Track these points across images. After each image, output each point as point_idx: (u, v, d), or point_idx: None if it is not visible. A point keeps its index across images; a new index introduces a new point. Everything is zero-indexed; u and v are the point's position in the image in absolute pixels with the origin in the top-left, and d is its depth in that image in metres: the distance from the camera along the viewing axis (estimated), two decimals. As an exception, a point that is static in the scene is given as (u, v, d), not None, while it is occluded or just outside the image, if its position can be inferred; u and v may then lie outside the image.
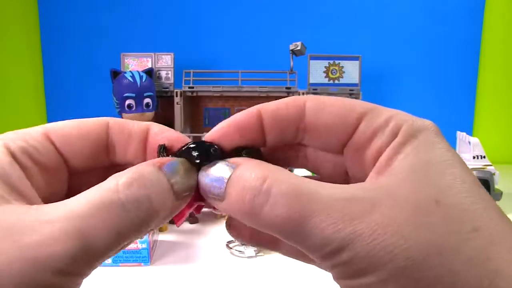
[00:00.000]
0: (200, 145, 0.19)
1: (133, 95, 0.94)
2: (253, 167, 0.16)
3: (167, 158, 0.18)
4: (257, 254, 0.68)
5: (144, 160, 0.19)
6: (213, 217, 0.85)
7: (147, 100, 0.96)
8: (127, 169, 0.16)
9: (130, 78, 0.94)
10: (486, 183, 0.90)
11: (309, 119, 0.18)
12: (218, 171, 0.17)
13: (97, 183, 0.16)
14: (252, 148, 0.19)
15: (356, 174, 0.19)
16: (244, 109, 0.20)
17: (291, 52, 1.06)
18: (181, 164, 0.17)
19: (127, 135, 0.19)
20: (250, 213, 0.16)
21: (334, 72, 1.09)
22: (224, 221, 0.24)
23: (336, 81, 1.09)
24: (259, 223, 0.16)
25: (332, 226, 0.15)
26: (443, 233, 0.14)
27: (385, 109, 0.19)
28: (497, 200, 0.90)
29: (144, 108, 0.95)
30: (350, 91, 1.09)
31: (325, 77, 1.09)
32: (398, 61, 1.33)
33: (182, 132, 1.02)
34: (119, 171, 0.16)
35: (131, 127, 0.20)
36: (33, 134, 0.18)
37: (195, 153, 0.19)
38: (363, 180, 0.17)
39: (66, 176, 0.19)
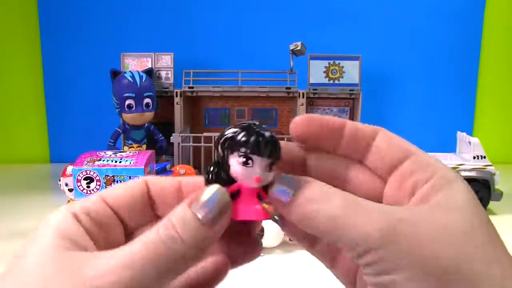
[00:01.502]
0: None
1: (133, 95, 0.93)
2: (318, 184, 0.21)
3: (199, 192, 0.20)
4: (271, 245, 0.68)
5: None
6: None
7: (147, 100, 0.95)
8: (169, 214, 0.20)
9: (130, 78, 0.94)
10: (486, 183, 0.90)
11: (378, 142, 0.24)
12: (288, 181, 0.21)
13: None
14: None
15: (390, 200, 0.23)
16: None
17: (291, 52, 1.06)
18: (210, 193, 0.20)
19: (162, 190, 0.24)
20: (309, 216, 0.20)
21: (334, 72, 1.09)
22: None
23: (336, 81, 1.09)
24: (314, 222, 0.20)
25: (374, 226, 0.18)
26: (472, 256, 0.18)
27: (428, 155, 0.23)
28: (497, 200, 0.90)
29: (144, 108, 0.95)
30: (350, 91, 1.09)
31: (325, 77, 1.09)
32: (398, 61, 1.33)
33: (182, 132, 1.02)
34: None
35: (164, 183, 0.24)
36: (92, 200, 0.22)
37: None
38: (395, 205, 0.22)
39: (122, 232, 0.23)
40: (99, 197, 0.22)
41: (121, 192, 0.23)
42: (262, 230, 0.67)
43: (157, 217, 0.24)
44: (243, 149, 0.20)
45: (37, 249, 0.19)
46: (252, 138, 0.20)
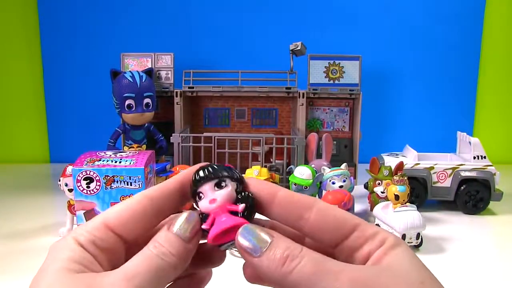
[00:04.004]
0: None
1: (133, 95, 0.93)
2: (289, 241, 0.23)
3: (175, 215, 0.24)
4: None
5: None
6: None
7: (147, 100, 0.95)
8: (154, 238, 0.23)
9: (130, 78, 0.94)
10: (487, 183, 0.90)
11: (314, 214, 0.24)
12: (258, 235, 0.23)
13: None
14: (248, 195, 0.25)
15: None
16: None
17: (291, 52, 1.06)
18: (183, 218, 0.24)
19: (168, 195, 0.25)
20: (283, 272, 0.22)
21: (334, 72, 1.09)
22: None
23: (336, 81, 1.09)
24: (287, 278, 0.22)
25: (348, 282, 0.21)
26: None
27: (371, 225, 0.25)
28: (497, 200, 0.90)
29: (144, 108, 0.95)
30: (350, 91, 1.09)
31: (325, 77, 1.09)
32: (398, 61, 1.33)
33: (181, 132, 1.02)
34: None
35: (168, 185, 0.25)
36: (95, 226, 0.23)
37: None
38: None
39: (123, 250, 0.24)
40: (102, 224, 0.24)
41: (123, 214, 0.24)
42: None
43: (157, 228, 0.26)
44: (193, 190, 0.25)
45: (51, 273, 0.21)
46: (193, 177, 0.25)
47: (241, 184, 0.25)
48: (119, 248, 0.24)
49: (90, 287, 0.20)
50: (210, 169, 0.25)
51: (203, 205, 0.24)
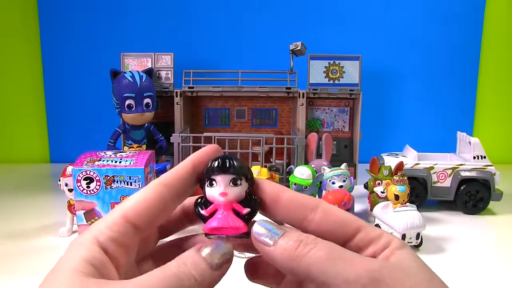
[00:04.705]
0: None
1: (133, 95, 0.93)
2: (301, 232, 0.23)
3: (210, 242, 0.24)
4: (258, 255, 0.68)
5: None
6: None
7: (147, 100, 0.95)
8: (180, 256, 0.23)
9: (130, 78, 0.94)
10: (487, 183, 0.89)
11: (318, 215, 0.25)
12: (272, 228, 0.24)
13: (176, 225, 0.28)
14: (255, 199, 0.25)
15: None
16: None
17: (291, 52, 1.06)
18: (217, 245, 0.23)
19: (182, 179, 0.25)
20: (296, 254, 0.22)
21: (334, 72, 1.09)
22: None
23: (336, 81, 1.09)
24: (302, 261, 0.22)
25: (364, 268, 0.21)
26: None
27: (374, 227, 0.25)
28: (497, 200, 0.90)
29: (144, 108, 0.95)
30: (350, 91, 1.09)
31: (325, 77, 1.09)
32: (398, 61, 1.33)
33: (181, 132, 1.02)
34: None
35: (181, 169, 0.25)
36: (116, 220, 0.23)
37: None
38: None
39: (137, 240, 0.24)
40: (121, 217, 0.23)
41: (142, 207, 0.24)
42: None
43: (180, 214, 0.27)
44: (207, 175, 0.25)
45: (63, 273, 0.21)
46: (213, 163, 0.24)
47: (251, 186, 0.25)
48: (136, 241, 0.24)
49: None
50: (233, 163, 0.24)
51: (212, 193, 0.24)
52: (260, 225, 0.24)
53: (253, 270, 0.28)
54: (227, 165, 0.24)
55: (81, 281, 0.20)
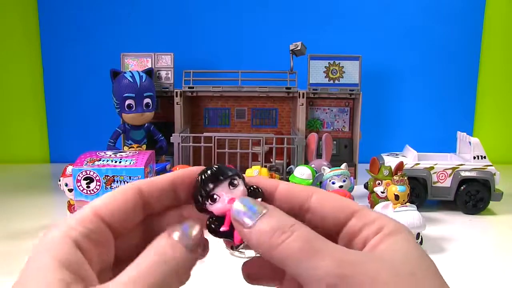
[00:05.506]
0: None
1: (133, 95, 0.93)
2: (283, 214, 0.22)
3: (179, 225, 0.23)
4: (258, 255, 0.68)
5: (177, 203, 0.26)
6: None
7: (147, 100, 0.95)
8: (152, 245, 0.22)
9: (130, 78, 0.94)
10: (487, 183, 0.89)
11: (313, 203, 0.24)
12: (252, 206, 0.23)
13: (138, 237, 0.25)
14: (258, 189, 0.25)
15: None
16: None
17: (291, 52, 1.06)
18: (190, 228, 0.22)
19: (157, 187, 0.24)
20: (271, 243, 0.21)
21: (334, 72, 1.09)
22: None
23: (336, 81, 1.09)
24: (275, 251, 0.21)
25: (334, 264, 0.20)
26: None
27: (372, 211, 0.24)
28: (497, 201, 0.90)
29: (144, 108, 0.95)
30: (350, 91, 1.09)
31: (325, 77, 1.09)
32: (398, 61, 1.33)
33: (181, 132, 1.02)
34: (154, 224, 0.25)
35: (158, 186, 0.24)
36: (87, 217, 0.22)
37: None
38: None
39: (113, 243, 0.23)
40: (94, 214, 0.22)
41: (114, 205, 0.23)
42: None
43: (146, 217, 0.25)
44: (203, 194, 0.24)
45: (38, 281, 0.19)
46: (202, 182, 0.24)
47: (244, 180, 0.25)
48: (110, 241, 0.23)
49: None
50: (219, 170, 0.24)
51: (219, 207, 0.24)
52: (241, 202, 0.23)
53: (250, 271, 0.27)
54: (216, 173, 0.24)
55: None
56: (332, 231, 0.24)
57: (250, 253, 0.68)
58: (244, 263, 0.27)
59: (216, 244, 0.25)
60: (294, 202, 0.25)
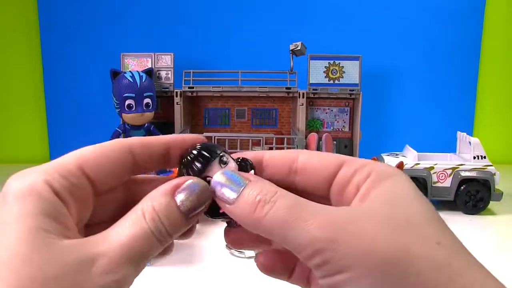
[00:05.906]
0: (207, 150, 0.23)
1: (133, 95, 0.93)
2: (265, 183, 0.21)
3: (183, 180, 0.21)
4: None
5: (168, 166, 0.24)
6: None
7: (147, 100, 0.95)
8: (147, 200, 0.20)
9: (130, 78, 0.94)
10: (487, 183, 0.90)
11: (301, 163, 0.24)
12: (234, 179, 0.21)
13: (117, 200, 0.23)
14: (247, 160, 0.24)
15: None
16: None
17: (291, 52, 1.06)
18: (193, 189, 0.21)
19: (150, 151, 0.23)
20: (255, 217, 0.20)
21: (334, 72, 1.09)
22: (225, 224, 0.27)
23: (336, 81, 1.09)
24: (261, 224, 0.20)
25: (319, 229, 0.19)
26: (412, 243, 0.18)
27: (360, 159, 0.23)
28: (497, 201, 0.90)
29: (144, 108, 0.95)
30: (350, 91, 1.09)
31: (325, 77, 1.09)
32: (398, 61, 1.33)
33: (181, 132, 1.02)
34: (138, 184, 0.24)
35: (153, 143, 0.23)
36: (69, 168, 0.20)
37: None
38: None
39: (92, 200, 0.21)
40: (78, 168, 0.20)
41: (101, 160, 0.21)
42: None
43: (132, 177, 0.24)
44: (191, 174, 0.23)
45: (19, 233, 0.17)
46: (193, 164, 0.23)
47: (229, 154, 0.24)
48: (90, 199, 0.21)
49: (79, 261, 0.17)
50: (207, 149, 0.23)
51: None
52: (222, 174, 0.22)
53: (265, 263, 0.26)
54: (206, 155, 0.23)
55: (47, 248, 0.17)
56: (323, 187, 0.23)
57: (250, 253, 0.68)
58: (258, 254, 0.27)
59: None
60: (282, 167, 0.24)
